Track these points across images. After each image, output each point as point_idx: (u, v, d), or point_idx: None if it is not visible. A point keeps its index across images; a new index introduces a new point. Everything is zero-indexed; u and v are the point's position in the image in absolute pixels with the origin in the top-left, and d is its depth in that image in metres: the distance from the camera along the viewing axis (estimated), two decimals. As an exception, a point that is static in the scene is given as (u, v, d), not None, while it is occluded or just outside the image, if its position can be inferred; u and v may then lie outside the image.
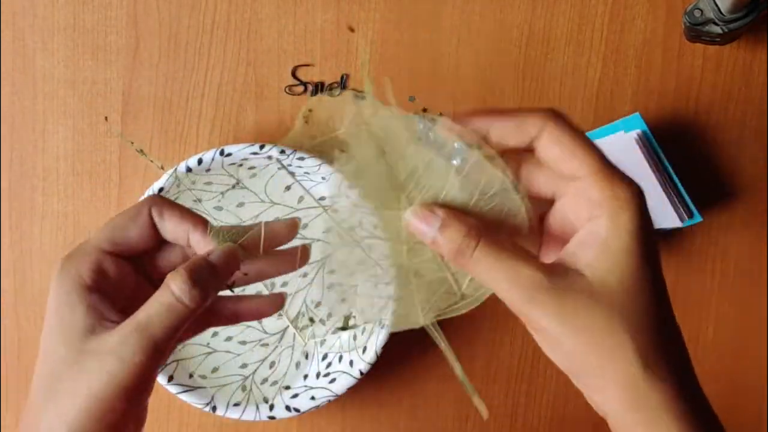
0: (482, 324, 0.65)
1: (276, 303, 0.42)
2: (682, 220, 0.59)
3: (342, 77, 0.65)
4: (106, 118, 0.65)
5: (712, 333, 0.66)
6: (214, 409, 0.59)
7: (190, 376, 0.61)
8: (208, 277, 0.37)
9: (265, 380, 0.62)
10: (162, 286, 0.37)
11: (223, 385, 0.61)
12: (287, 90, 0.65)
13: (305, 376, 0.62)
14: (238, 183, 0.61)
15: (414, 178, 0.36)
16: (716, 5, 0.58)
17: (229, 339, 0.62)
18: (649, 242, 0.33)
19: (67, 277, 0.38)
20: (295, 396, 0.61)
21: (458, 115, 0.35)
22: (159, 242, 0.41)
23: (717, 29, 0.59)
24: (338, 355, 0.62)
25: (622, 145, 0.59)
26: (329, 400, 0.60)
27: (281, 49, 0.65)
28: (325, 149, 0.36)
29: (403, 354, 0.65)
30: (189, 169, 0.58)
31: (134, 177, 0.65)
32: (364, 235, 0.36)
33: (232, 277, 0.39)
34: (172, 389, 0.59)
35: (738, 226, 0.65)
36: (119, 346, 0.35)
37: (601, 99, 0.65)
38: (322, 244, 0.37)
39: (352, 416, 0.66)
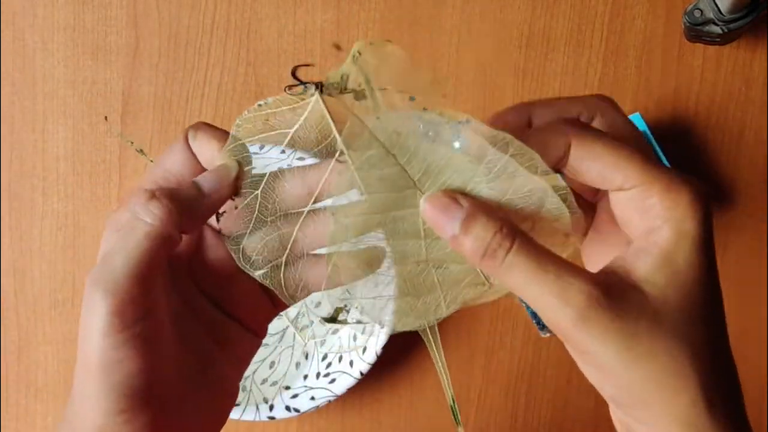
0: (482, 324, 0.65)
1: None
2: (682, 220, 0.59)
3: (342, 77, 0.65)
4: (106, 118, 0.65)
5: (712, 333, 0.66)
6: (214, 409, 0.59)
7: (190, 376, 0.61)
8: (187, 197, 0.31)
9: (264, 380, 0.62)
10: None
11: (223, 385, 0.61)
12: (287, 90, 0.65)
13: (305, 377, 0.62)
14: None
15: (431, 174, 0.31)
16: (716, 5, 0.58)
17: (229, 339, 0.62)
18: (711, 252, 0.30)
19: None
20: (294, 396, 0.61)
21: (492, 118, 0.32)
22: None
23: (717, 29, 0.59)
24: (338, 355, 0.62)
25: (622, 145, 0.59)
26: (329, 401, 0.60)
27: (281, 49, 0.65)
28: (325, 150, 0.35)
29: (403, 354, 0.65)
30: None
31: (134, 177, 0.65)
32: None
33: (223, 206, 0.33)
34: (172, 389, 0.59)
35: (738, 226, 0.65)
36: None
37: (601, 99, 0.65)
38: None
39: (352, 416, 0.66)
